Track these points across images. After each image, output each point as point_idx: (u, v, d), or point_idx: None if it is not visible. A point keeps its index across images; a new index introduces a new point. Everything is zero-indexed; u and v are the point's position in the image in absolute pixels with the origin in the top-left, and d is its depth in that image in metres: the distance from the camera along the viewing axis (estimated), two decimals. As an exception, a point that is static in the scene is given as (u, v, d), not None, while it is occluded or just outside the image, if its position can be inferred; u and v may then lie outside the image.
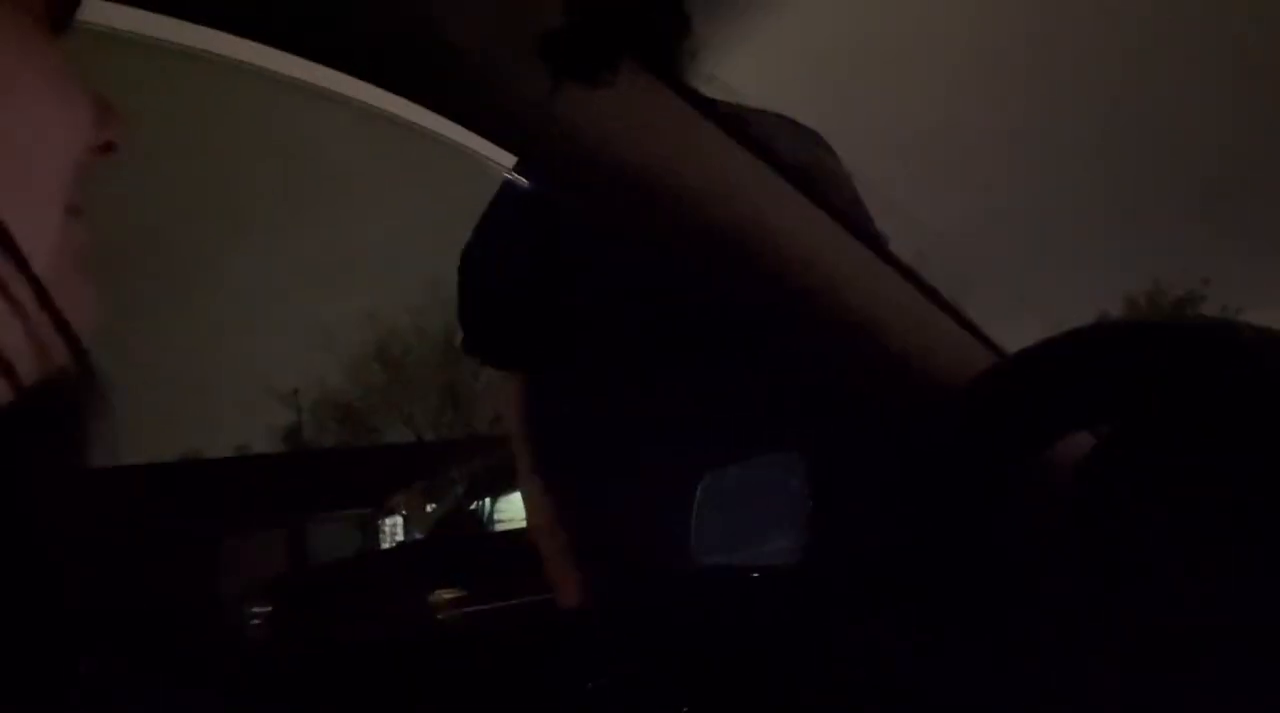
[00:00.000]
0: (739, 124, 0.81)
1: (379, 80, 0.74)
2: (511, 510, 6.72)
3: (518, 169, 1.05)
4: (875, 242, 0.94)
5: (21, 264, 0.35)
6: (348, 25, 0.73)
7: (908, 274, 0.95)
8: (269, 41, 0.87)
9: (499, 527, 7.03)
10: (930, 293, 0.96)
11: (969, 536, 0.85)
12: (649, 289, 1.14)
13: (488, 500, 7.20)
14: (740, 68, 0.80)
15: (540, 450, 1.39)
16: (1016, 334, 0.92)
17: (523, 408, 1.38)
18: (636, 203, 0.85)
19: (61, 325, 0.37)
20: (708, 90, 0.80)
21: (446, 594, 6.32)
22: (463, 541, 7.16)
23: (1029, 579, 0.77)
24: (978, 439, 0.85)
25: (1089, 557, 0.72)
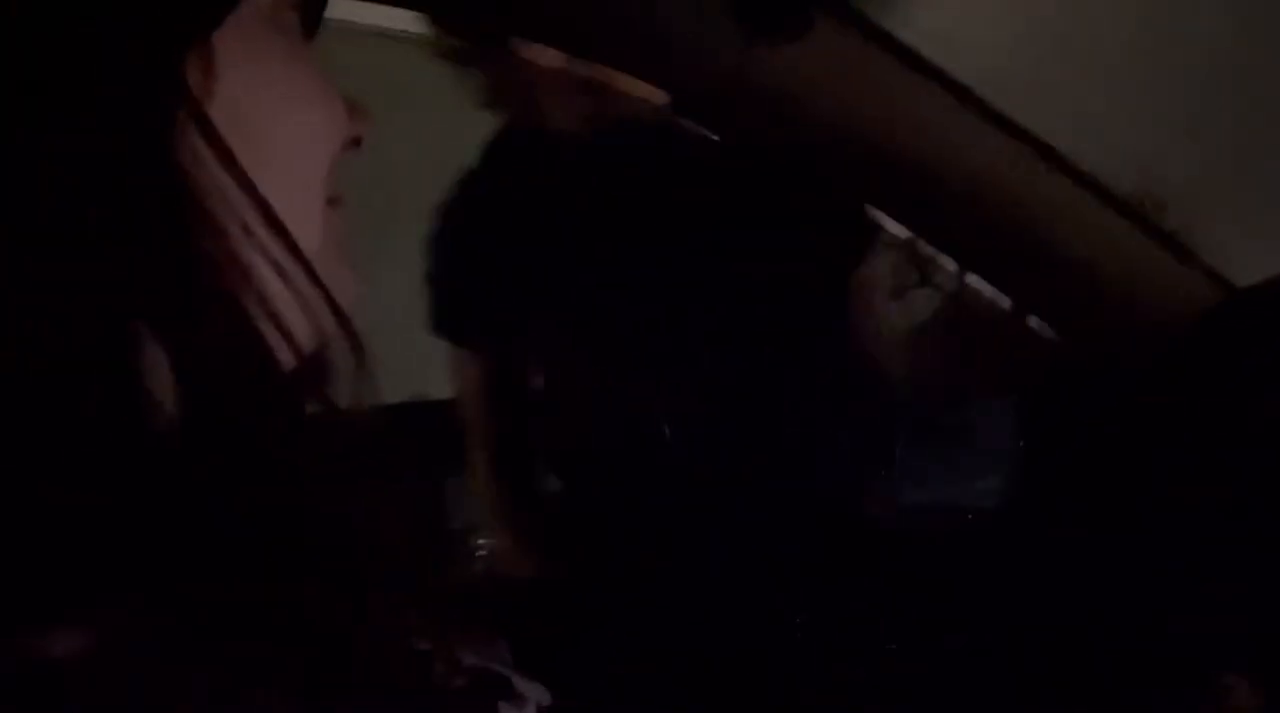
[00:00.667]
0: (935, 76, 0.80)
1: (578, 51, 0.78)
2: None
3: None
4: (1087, 177, 0.90)
5: (295, 251, 0.41)
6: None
7: (1123, 208, 0.91)
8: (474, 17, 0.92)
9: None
10: (1147, 227, 0.91)
11: (1191, 475, 0.82)
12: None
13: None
14: (933, 14, 0.78)
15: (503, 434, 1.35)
16: (1247, 270, 0.87)
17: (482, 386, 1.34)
18: (836, 152, 0.86)
19: (330, 302, 0.43)
20: (903, 34, 0.79)
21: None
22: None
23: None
24: (1202, 379, 0.81)
25: None
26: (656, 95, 1.04)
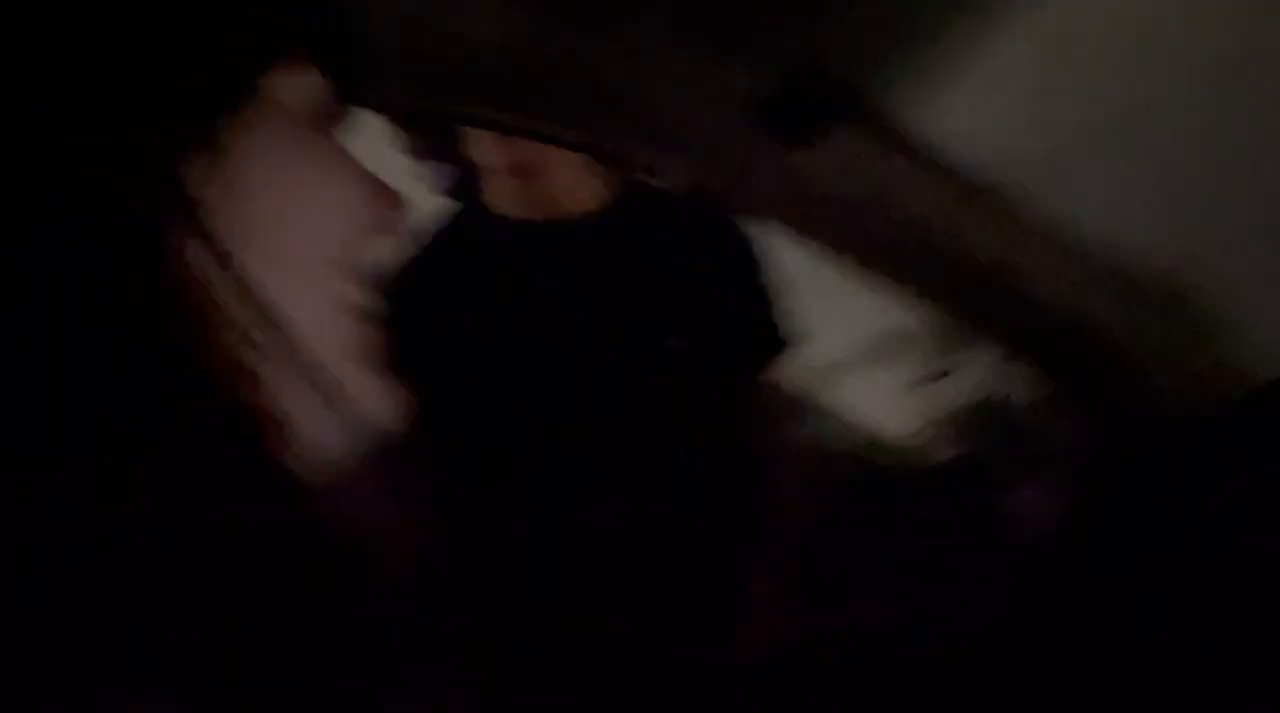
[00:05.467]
0: (953, 171, 0.82)
1: (606, 158, 0.82)
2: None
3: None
4: (1115, 263, 0.91)
5: (308, 356, 0.42)
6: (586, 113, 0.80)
7: (1152, 292, 0.91)
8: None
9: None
10: (1177, 309, 0.91)
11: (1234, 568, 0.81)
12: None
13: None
14: (953, 110, 0.80)
15: None
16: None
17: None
18: (862, 247, 0.88)
19: (345, 404, 0.44)
20: (925, 136, 0.82)
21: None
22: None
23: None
24: (1227, 472, 0.81)
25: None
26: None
